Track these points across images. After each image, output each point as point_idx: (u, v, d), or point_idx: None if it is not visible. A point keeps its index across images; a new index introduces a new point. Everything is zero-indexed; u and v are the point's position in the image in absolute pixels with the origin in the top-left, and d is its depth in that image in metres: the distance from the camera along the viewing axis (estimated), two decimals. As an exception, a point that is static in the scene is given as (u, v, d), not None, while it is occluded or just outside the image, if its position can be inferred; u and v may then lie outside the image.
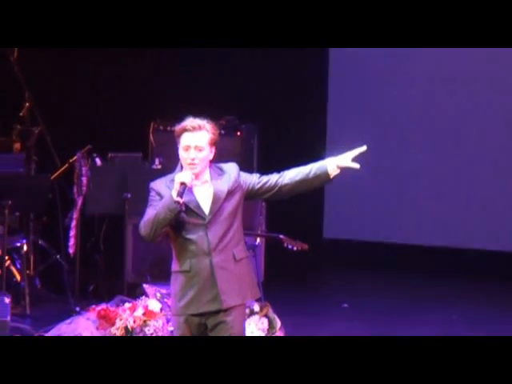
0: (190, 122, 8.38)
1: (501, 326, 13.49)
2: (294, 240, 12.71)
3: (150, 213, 8.34)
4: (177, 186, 8.21)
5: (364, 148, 8.75)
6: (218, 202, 8.37)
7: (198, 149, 8.35)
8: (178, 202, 8.17)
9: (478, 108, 18.18)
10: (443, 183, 18.29)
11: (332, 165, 8.66)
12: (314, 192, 14.33)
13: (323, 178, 8.70)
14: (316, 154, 14.72)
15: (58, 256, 13.57)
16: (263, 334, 11.65)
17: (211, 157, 8.51)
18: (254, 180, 8.72)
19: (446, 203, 18.09)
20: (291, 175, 8.74)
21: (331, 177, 8.71)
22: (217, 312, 8.54)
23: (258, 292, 9.25)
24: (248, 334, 10.37)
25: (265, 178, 8.76)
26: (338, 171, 8.77)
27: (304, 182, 8.76)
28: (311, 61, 17.11)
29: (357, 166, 8.76)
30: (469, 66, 17.76)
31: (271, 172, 9.25)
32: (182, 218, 8.33)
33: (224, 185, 8.40)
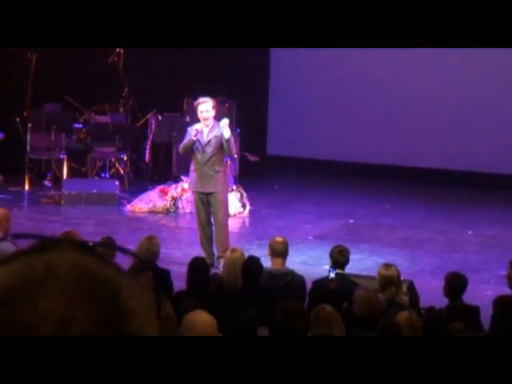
0: (202, 98, 8.78)
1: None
2: (251, 154, 13.08)
3: (183, 142, 8.88)
4: (193, 132, 8.70)
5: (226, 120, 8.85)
6: (207, 139, 8.70)
7: (207, 111, 8.67)
8: (192, 140, 8.65)
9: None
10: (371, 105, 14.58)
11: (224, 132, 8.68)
12: (259, 119, 15.12)
13: (225, 142, 8.64)
14: (260, 114, 15.19)
15: (141, 162, 13.47)
16: (238, 201, 11.55)
17: (214, 115, 8.77)
18: (224, 140, 8.66)
19: (376, 123, 14.57)
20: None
21: (226, 137, 8.65)
22: (209, 193, 8.77)
23: (228, 188, 9.50)
24: (230, 200, 10.05)
25: (225, 144, 8.69)
26: (226, 135, 8.69)
27: (224, 146, 8.68)
28: (260, 55, 14.85)
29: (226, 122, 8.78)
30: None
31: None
32: (195, 146, 8.73)
33: (214, 132, 8.72)
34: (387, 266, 6.65)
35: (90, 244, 1.01)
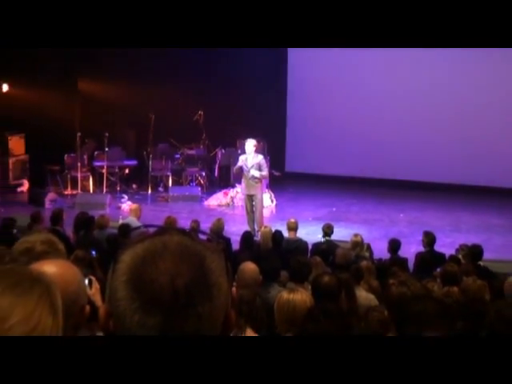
0: (248, 139, 8.44)
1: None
2: (276, 171, 12.63)
3: (236, 166, 8.55)
4: (240, 160, 8.38)
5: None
6: (251, 164, 8.30)
7: (249, 147, 8.37)
8: (239, 166, 8.29)
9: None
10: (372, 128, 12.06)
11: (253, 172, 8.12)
12: (280, 148, 13.70)
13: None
14: (280, 144, 13.85)
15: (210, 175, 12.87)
16: (268, 198, 10.99)
17: (254, 150, 8.43)
18: (259, 166, 8.25)
19: (379, 141, 12.14)
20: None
21: (256, 176, 8.05)
22: (252, 195, 8.42)
23: (263, 191, 8.75)
24: (264, 198, 9.40)
25: (262, 168, 8.16)
26: (256, 175, 8.02)
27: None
28: (280, 103, 12.88)
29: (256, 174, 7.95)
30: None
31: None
32: (243, 168, 8.40)
33: (254, 159, 8.35)
34: (355, 235, 6.66)
35: (188, 230, 1.00)
